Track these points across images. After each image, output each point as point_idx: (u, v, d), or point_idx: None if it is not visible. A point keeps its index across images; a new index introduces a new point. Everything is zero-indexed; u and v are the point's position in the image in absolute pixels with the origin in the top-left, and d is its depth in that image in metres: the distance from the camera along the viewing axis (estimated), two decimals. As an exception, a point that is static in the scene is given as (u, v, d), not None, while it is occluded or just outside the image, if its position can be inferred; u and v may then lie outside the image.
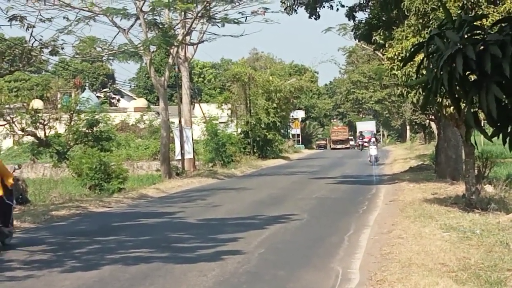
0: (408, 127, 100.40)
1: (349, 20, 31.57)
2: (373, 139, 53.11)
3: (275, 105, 62.23)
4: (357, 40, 36.21)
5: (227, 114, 62.14)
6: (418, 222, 17.10)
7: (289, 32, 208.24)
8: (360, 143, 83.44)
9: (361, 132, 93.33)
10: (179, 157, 42.70)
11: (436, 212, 18.94)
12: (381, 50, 28.22)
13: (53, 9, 32.83)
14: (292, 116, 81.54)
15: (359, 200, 24.49)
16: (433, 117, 35.00)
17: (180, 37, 38.66)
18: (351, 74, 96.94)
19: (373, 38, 27.91)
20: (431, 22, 21.27)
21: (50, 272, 12.62)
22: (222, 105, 61.61)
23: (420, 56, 6.03)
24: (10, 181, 16.14)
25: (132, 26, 36.29)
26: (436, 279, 10.62)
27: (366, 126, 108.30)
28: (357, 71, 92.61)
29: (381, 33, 27.14)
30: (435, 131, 41.62)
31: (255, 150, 60.03)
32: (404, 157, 59.10)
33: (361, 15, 31.64)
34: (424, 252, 12.96)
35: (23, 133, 37.83)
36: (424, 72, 5.56)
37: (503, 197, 22.38)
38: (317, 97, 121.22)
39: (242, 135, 60.07)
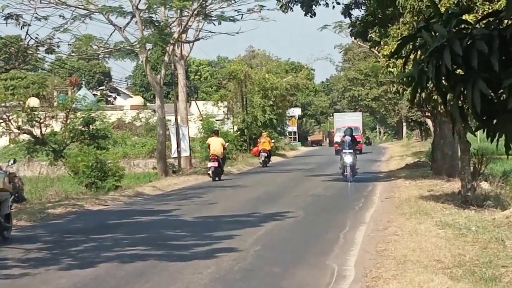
0: (404, 124, 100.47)
1: (345, 17, 31.66)
2: (347, 138, 31.77)
3: (271, 102, 62.21)
4: (353, 38, 36.22)
5: (223, 111, 62.12)
6: (414, 219, 17.12)
7: (285, 30, 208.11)
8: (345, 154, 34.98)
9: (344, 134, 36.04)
10: (176, 155, 42.70)
11: (431, 209, 18.96)
12: (376, 47, 28.30)
13: (49, 7, 32.77)
14: (289, 114, 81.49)
15: (355, 197, 24.50)
16: (429, 114, 34.99)
17: (176, 35, 38.65)
18: (348, 72, 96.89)
19: (369, 35, 28.01)
20: (425, 18, 21.32)
21: (46, 270, 12.64)
22: (218, 103, 61.59)
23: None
24: None
25: (128, 24, 36.26)
26: (431, 275, 10.65)
27: (348, 120, 74.48)
28: (354, 68, 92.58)
29: (377, 31, 27.24)
30: (431, 128, 41.61)
31: (251, 148, 60.03)
32: (400, 154, 59.10)
33: (357, 13, 31.62)
34: (419, 249, 12.98)
35: (19, 131, 37.74)
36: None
37: (499, 194, 22.41)
38: (314, 94, 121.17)
39: (239, 132, 60.05)
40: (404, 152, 61.28)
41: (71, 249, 14.91)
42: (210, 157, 35.47)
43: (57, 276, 12.07)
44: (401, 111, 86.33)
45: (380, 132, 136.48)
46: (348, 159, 30.59)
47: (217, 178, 34.69)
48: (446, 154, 30.50)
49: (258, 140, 50.36)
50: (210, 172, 34.90)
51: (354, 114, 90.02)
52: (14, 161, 19.75)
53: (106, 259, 13.51)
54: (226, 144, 39.30)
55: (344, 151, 31.11)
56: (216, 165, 34.79)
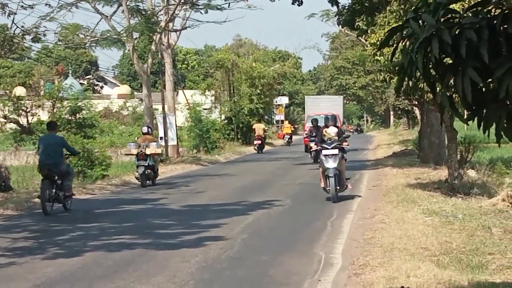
0: (391, 113, 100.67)
1: (332, 5, 31.45)
2: (331, 130, 20.73)
3: (258, 91, 62.10)
4: (340, 26, 36.18)
5: (211, 100, 62.04)
6: (401, 207, 17.18)
7: (272, 18, 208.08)
8: (313, 146, 29.50)
9: (315, 120, 35.38)
10: (163, 144, 42.63)
11: (418, 197, 19.03)
12: (364, 36, 28.30)
13: (35, -5, 32.62)
14: (276, 102, 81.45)
15: (342, 186, 24.48)
16: (416, 103, 35.05)
17: (163, 24, 38.52)
18: (335, 60, 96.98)
19: (356, 24, 27.99)
20: (413, 8, 21.32)
21: (32, 259, 12.61)
22: (205, 92, 61.49)
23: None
24: None
25: (114, 12, 36.15)
26: (418, 263, 10.68)
27: (325, 106, 53.29)
28: (341, 57, 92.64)
29: (364, 19, 27.23)
30: (419, 117, 41.69)
31: (238, 136, 59.99)
32: (387, 142, 59.24)
33: (344, 1, 31.65)
34: (406, 237, 13.02)
35: (5, 120, 37.64)
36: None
37: (485, 182, 22.48)
38: (301, 83, 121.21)
39: (226, 121, 60.05)
40: (391, 141, 61.40)
41: (57, 238, 14.88)
42: (256, 137, 50.87)
43: (44, 265, 12.04)
44: (388, 100, 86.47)
45: (367, 121, 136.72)
46: (331, 164, 19.50)
47: (260, 151, 50.03)
48: (433, 142, 30.59)
49: (282, 126, 68.52)
50: (255, 147, 50.49)
51: (332, 98, 67.01)
52: (161, 138, 31.70)
53: (93, 248, 13.49)
54: (267, 128, 56.98)
55: (325, 152, 19.76)
56: (260, 142, 50.44)
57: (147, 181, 27.10)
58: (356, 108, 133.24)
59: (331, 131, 20.52)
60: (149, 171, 26.87)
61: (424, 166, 28.79)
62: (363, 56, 37.61)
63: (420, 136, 33.90)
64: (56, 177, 19.43)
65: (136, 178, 27.40)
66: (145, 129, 28.71)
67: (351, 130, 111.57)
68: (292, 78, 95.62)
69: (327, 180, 19.57)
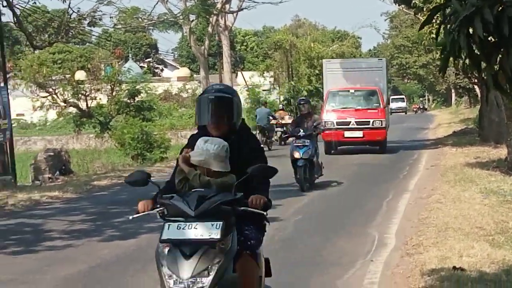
0: (453, 91, 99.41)
1: (389, -17, 31.23)
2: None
3: (317, 71, 61.86)
4: (397, 4, 35.80)
5: (270, 81, 61.97)
6: (458, 187, 16.97)
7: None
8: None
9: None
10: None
11: (477, 176, 18.77)
12: (420, 13, 27.98)
13: (92, -20, 32.90)
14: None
15: (400, 166, 24.32)
16: (476, 81, 34.59)
17: (219, 6, 38.59)
18: (395, 39, 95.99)
19: (413, 2, 27.66)
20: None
21: (89, 241, 12.80)
22: (264, 73, 61.42)
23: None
24: None
25: (171, -5, 36.33)
26: (472, 243, 10.55)
27: (355, 76, 32.82)
28: (401, 35, 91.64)
29: (420, -4, 26.88)
30: (479, 95, 41.13)
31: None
32: (448, 121, 58.62)
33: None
34: (462, 216, 12.86)
35: (65, 104, 38.12)
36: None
37: (547, 160, 22.09)
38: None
39: (285, 102, 59.91)
40: (452, 119, 60.75)
41: (114, 221, 15.04)
42: None
43: (100, 247, 12.21)
44: (449, 78, 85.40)
45: (429, 100, 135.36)
46: None
47: None
48: (493, 120, 30.14)
49: None
50: None
51: (368, 61, 41.11)
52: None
53: (149, 230, 13.55)
54: None
55: None
56: None
57: (282, 142, 37.43)
58: (417, 87, 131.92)
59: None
60: (284, 135, 34.54)
61: (484, 145, 28.41)
62: (421, 35, 37.15)
63: (480, 114, 33.46)
64: (266, 131, 35.59)
65: (276, 140, 38.15)
66: (280, 106, 43.88)
67: (414, 109, 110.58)
68: (351, 57, 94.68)
69: None
